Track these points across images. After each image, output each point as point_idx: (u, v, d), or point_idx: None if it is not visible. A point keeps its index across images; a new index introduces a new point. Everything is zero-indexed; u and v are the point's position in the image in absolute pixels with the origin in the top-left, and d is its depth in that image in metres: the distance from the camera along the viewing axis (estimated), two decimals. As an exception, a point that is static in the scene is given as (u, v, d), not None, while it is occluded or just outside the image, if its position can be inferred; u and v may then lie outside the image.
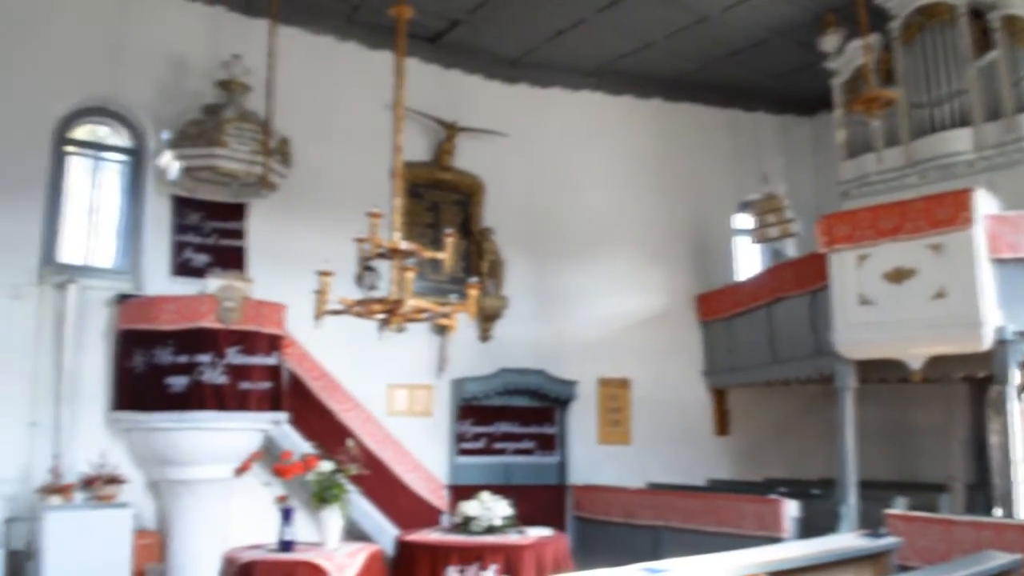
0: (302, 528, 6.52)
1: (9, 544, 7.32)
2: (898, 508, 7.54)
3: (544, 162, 11.00)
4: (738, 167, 11.94)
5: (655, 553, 7.97)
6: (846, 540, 5.88)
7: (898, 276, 7.78)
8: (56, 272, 8.03)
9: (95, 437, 7.85)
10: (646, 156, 11.55)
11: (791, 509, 7.92)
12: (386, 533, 8.35)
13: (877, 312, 7.88)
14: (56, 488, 7.37)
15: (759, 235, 10.96)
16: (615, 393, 10.88)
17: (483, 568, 6.24)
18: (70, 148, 8.57)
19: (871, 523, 7.05)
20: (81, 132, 8.70)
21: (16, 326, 7.74)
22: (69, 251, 8.42)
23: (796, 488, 9.04)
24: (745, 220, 11.83)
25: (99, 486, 7.54)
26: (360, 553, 6.03)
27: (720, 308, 11.02)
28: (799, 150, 12.33)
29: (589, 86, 11.42)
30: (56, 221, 8.32)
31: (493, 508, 6.81)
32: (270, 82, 8.18)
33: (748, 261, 11.99)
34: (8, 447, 7.54)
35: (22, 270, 7.86)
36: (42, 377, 7.78)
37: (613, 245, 11.12)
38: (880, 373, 8.30)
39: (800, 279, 9.26)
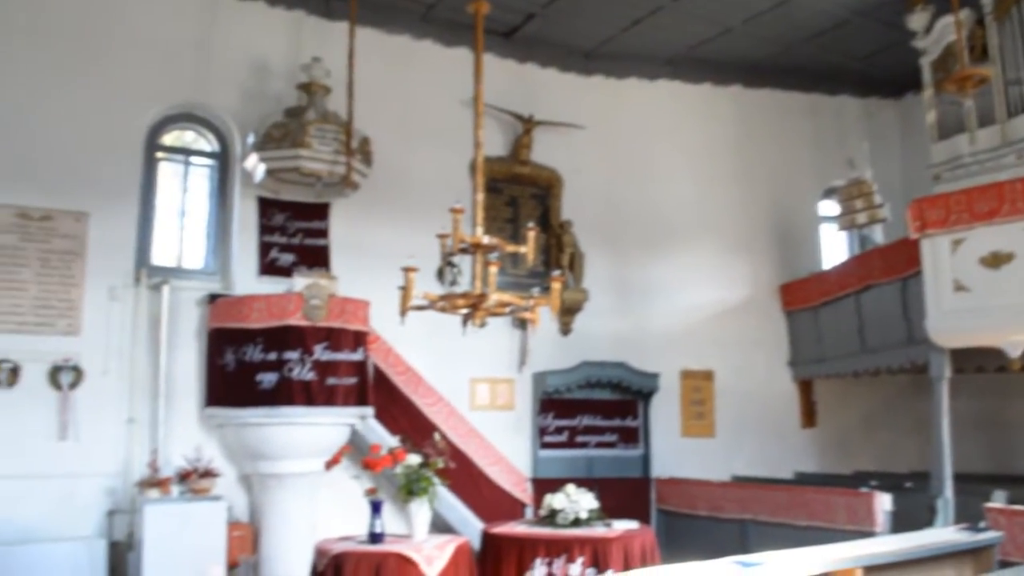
0: (389, 520, 6.61)
1: (111, 535, 7.63)
2: (997, 502, 7.26)
3: (622, 153, 10.90)
4: (821, 153, 11.64)
5: (742, 547, 7.87)
6: (945, 534, 5.67)
7: (995, 261, 7.49)
8: (150, 274, 8.30)
9: (190, 432, 8.10)
10: (726, 144, 11.35)
11: (884, 503, 7.68)
12: (470, 525, 8.43)
13: (973, 298, 7.60)
14: (154, 482, 7.63)
15: (846, 222, 10.65)
16: (698, 385, 10.74)
17: (570, 561, 6.23)
18: (160, 154, 8.86)
19: (967, 517, 6.77)
20: (169, 138, 8.98)
21: (114, 327, 8.04)
22: (162, 254, 8.71)
23: (887, 481, 8.78)
24: (830, 207, 11.54)
25: (194, 480, 7.77)
26: (448, 545, 6.10)
27: (806, 297, 10.77)
28: (885, 134, 11.94)
29: (666, 75, 11.27)
30: (149, 225, 8.61)
31: (579, 501, 6.80)
32: (350, 83, 8.31)
33: (834, 249, 11.68)
34: (108, 443, 7.86)
35: (119, 273, 8.16)
36: (139, 375, 8.07)
37: (694, 235, 10.97)
38: (976, 362, 8.02)
39: (890, 266, 8.99)
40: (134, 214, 8.40)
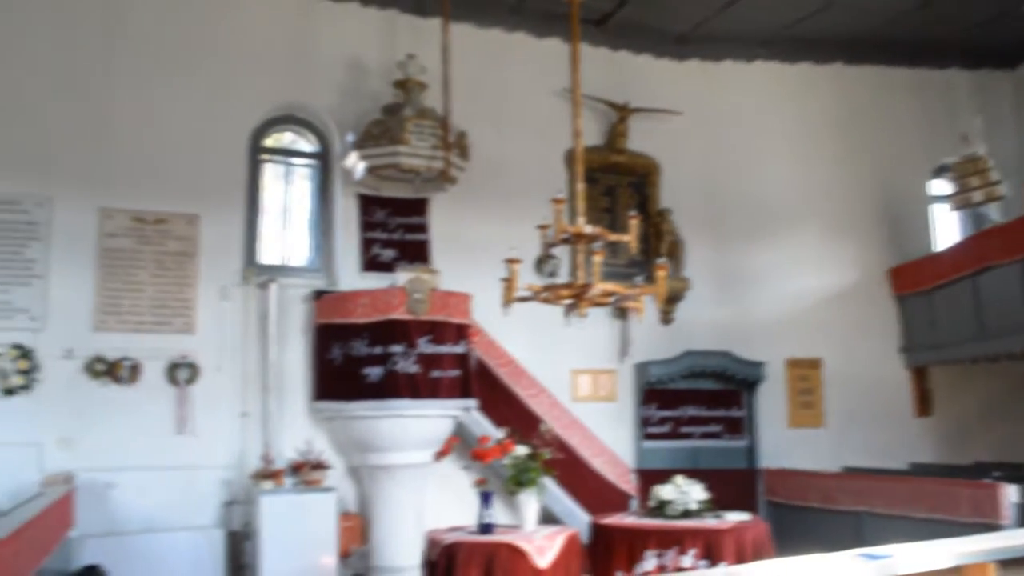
0: (496, 512, 6.63)
1: (229, 525, 7.90)
2: None
3: (719, 138, 10.66)
4: (930, 130, 11.14)
5: (858, 539, 7.57)
6: (1085, 527, 5.36)
7: None
8: (258, 273, 8.54)
9: (300, 425, 8.32)
10: (827, 124, 10.98)
11: (1011, 494, 7.32)
12: (576, 517, 8.41)
13: (1103, 277, 7.16)
14: (268, 473, 7.85)
15: (960, 200, 10.16)
16: (805, 374, 10.44)
17: (682, 553, 6.15)
18: (264, 156, 9.11)
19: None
20: (271, 140, 9.22)
21: (226, 325, 8.31)
22: (268, 252, 8.96)
23: (1010, 472, 8.36)
24: (941, 186, 11.05)
25: (306, 471, 7.97)
26: (558, 536, 6.09)
27: (918, 281, 10.33)
28: (999, 107, 11.35)
29: (763, 56, 10.97)
30: (255, 225, 8.87)
31: (689, 492, 6.70)
32: (445, 78, 8.36)
33: (945, 229, 11.17)
34: (224, 436, 8.13)
35: (229, 272, 8.42)
36: (251, 371, 8.31)
37: (797, 220, 10.65)
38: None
39: (1009, 246, 8.56)
40: (241, 215, 8.66)
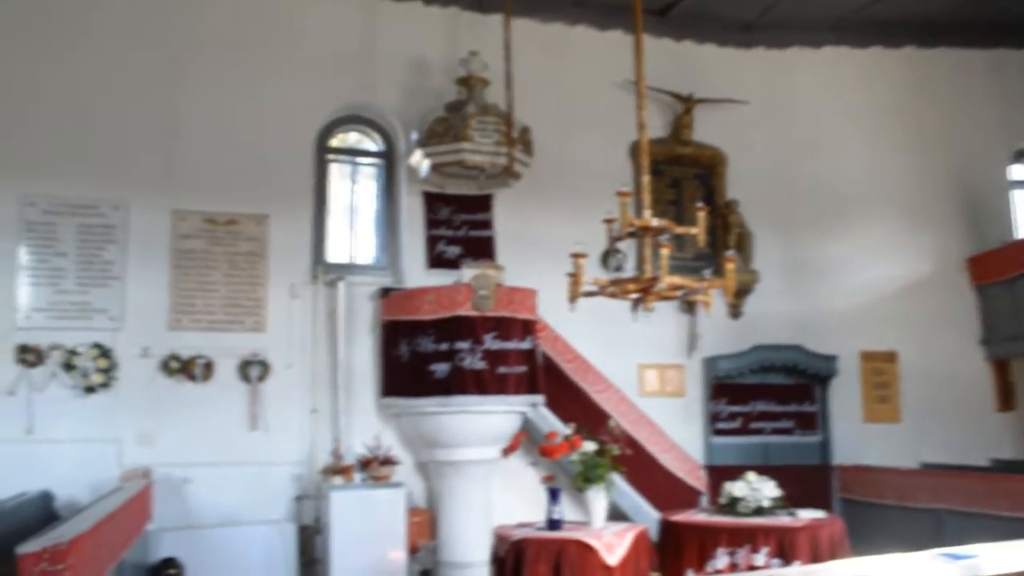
0: (564, 508, 6.60)
1: (300, 519, 8.02)
2: None
3: (787, 127, 10.42)
4: (1010, 112, 10.72)
5: (937, 538, 7.35)
6: None
7: None
8: (326, 271, 8.66)
9: (369, 422, 8.40)
10: (900, 110, 10.64)
11: (1100, 491, 7.02)
12: (644, 513, 8.32)
13: None
14: (337, 469, 7.92)
15: (1043, 185, 9.78)
16: (880, 367, 10.15)
17: (754, 551, 6.04)
18: (330, 156, 9.23)
19: None
20: (337, 140, 9.33)
21: (296, 323, 8.44)
22: (336, 251, 9.07)
23: (1100, 469, 8.03)
24: (1023, 170, 10.64)
25: (375, 467, 8.03)
26: (627, 533, 6.04)
27: (999, 270, 9.95)
28: (1084, 87, 10.89)
29: (831, 41, 10.69)
30: (323, 224, 8.99)
31: (761, 489, 6.58)
32: (508, 74, 8.37)
33: (1029, 216, 10.77)
34: (294, 432, 8.26)
35: (298, 271, 8.55)
36: (320, 368, 8.42)
37: (869, 209, 10.34)
38: None
39: (1098, 231, 8.19)
40: (309, 215, 8.78)
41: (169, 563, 7.16)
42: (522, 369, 8.04)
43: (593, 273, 7.02)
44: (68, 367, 7.67)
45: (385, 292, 8.56)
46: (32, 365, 7.59)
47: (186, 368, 8.02)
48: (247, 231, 8.45)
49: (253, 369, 8.21)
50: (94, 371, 7.71)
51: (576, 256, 5.97)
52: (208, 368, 8.09)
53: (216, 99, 8.45)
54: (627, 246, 8.98)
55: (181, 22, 8.46)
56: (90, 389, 7.70)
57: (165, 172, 8.24)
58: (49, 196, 7.86)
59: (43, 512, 6.75)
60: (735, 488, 6.68)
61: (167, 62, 8.37)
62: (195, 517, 7.70)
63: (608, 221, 6.11)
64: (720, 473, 8.22)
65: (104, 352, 7.78)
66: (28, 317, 7.70)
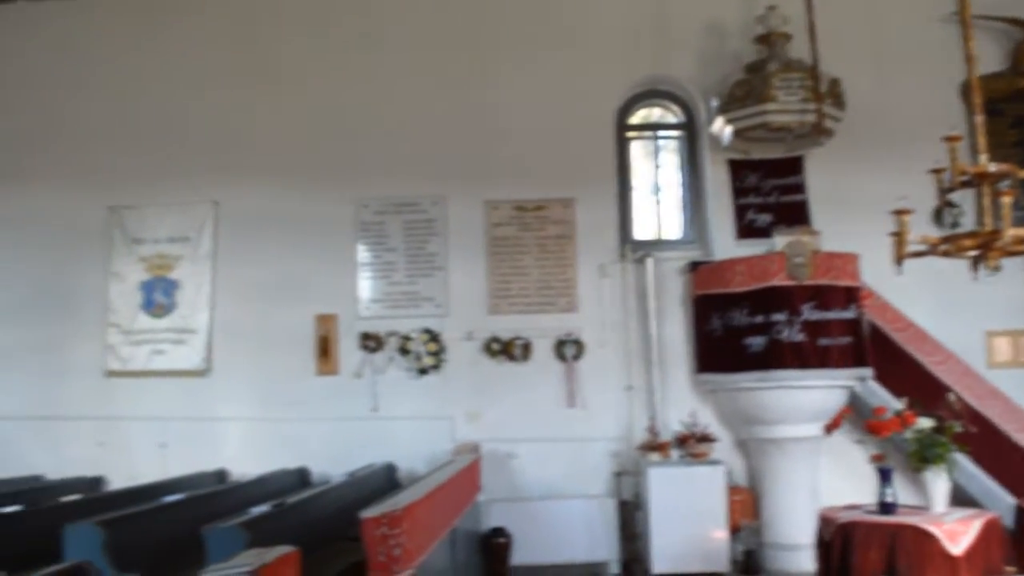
0: (898, 490, 6.01)
1: (619, 494, 8.15)
2: None
3: None
4: None
5: None
6: None
7: None
8: (633, 249, 8.68)
9: (684, 398, 8.33)
10: None
11: None
12: (996, 498, 7.35)
13: None
14: (654, 445, 7.99)
15: None
16: None
17: None
18: (630, 133, 9.22)
19: None
20: (636, 117, 9.29)
21: (607, 301, 8.56)
22: (642, 228, 9.06)
23: None
24: None
25: (692, 444, 7.96)
26: (974, 520, 5.33)
27: None
28: None
29: None
30: (628, 203, 9.02)
31: None
32: (811, 24, 7.80)
33: None
34: (610, 409, 8.41)
35: (606, 251, 8.67)
36: (633, 345, 8.49)
37: None
38: None
39: None
40: (613, 194, 8.84)
41: (498, 532, 7.63)
42: (846, 340, 7.51)
43: (925, 231, 6.33)
44: (403, 351, 8.47)
45: (694, 266, 8.40)
46: (373, 351, 8.47)
47: (506, 349, 8.46)
48: (555, 215, 8.71)
49: (568, 348, 8.45)
50: (426, 354, 8.42)
51: (899, 213, 5.41)
52: (526, 349, 8.46)
53: (517, 91, 8.80)
54: (964, 198, 7.98)
55: (482, 26, 8.92)
56: (423, 371, 8.43)
57: (476, 165, 8.74)
58: (379, 197, 8.71)
59: (388, 482, 7.52)
60: (1115, 471, 5.69)
61: (466, 57, 8.86)
62: (519, 490, 8.16)
63: (936, 171, 5.48)
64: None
65: (433, 336, 8.45)
66: (368, 308, 8.63)
